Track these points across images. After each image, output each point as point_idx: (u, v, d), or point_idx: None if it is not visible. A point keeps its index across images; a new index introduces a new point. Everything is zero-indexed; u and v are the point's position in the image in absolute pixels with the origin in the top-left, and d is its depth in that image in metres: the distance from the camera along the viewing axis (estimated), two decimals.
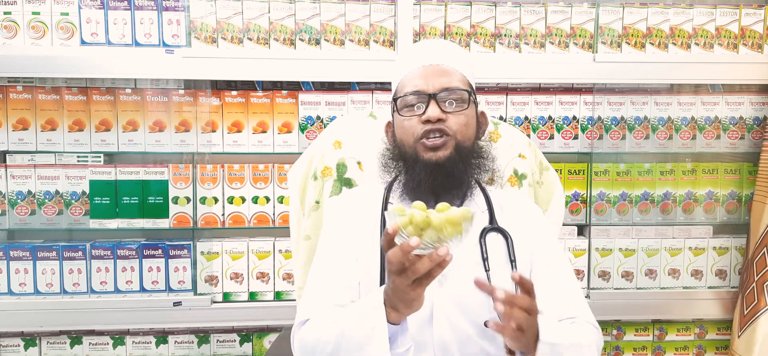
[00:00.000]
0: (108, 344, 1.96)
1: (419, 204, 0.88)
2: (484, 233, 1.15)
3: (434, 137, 1.14)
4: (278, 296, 1.95)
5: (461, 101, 1.16)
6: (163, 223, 1.91)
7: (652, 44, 1.94)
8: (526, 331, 0.92)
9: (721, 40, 1.95)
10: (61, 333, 1.94)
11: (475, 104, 1.21)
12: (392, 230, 0.87)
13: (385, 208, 1.20)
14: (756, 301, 1.85)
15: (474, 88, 1.23)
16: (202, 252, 1.93)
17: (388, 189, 1.23)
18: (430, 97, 1.14)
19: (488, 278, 1.11)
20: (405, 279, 0.88)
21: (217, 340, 1.99)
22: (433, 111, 1.13)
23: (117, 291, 1.90)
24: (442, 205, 0.88)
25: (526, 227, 1.19)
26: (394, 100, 1.20)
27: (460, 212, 0.86)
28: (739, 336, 1.91)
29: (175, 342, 1.97)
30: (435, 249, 0.86)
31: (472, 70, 1.24)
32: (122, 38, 1.85)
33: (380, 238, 1.15)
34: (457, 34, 1.90)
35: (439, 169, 1.13)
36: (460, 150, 1.15)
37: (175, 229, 1.93)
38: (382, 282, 1.14)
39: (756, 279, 1.85)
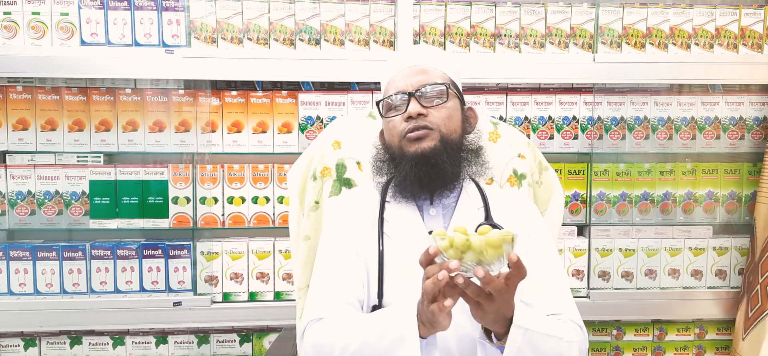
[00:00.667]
0: (108, 344, 1.96)
1: (461, 228, 0.89)
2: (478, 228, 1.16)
3: (417, 130, 1.17)
4: (278, 296, 1.95)
5: (440, 94, 1.20)
6: (162, 223, 1.91)
7: (652, 44, 1.94)
8: (487, 312, 0.93)
9: (721, 41, 1.95)
10: (61, 333, 1.95)
11: (459, 98, 1.25)
12: (433, 252, 0.89)
13: (382, 209, 1.20)
14: (760, 303, 1.84)
15: (457, 85, 1.26)
16: (201, 252, 1.93)
17: (384, 190, 1.24)
18: (411, 95, 1.18)
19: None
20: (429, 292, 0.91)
21: (217, 340, 1.99)
22: (413, 107, 1.17)
23: (117, 291, 1.90)
24: (483, 228, 0.89)
25: (522, 224, 1.20)
26: (378, 103, 1.25)
27: (499, 234, 0.86)
28: (743, 339, 1.90)
29: (175, 342, 1.97)
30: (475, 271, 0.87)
31: (455, 68, 1.28)
32: (122, 38, 1.85)
33: (378, 240, 1.17)
34: (456, 34, 1.90)
35: (424, 160, 1.16)
36: (445, 142, 1.17)
37: (174, 229, 1.93)
38: (380, 283, 1.15)
39: (760, 281, 1.85)
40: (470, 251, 0.87)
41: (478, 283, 0.90)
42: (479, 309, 0.94)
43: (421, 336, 0.98)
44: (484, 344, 1.02)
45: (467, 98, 1.82)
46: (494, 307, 0.93)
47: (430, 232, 0.91)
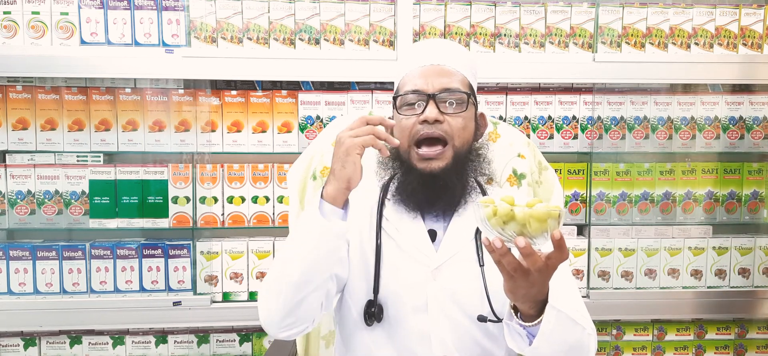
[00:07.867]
0: (108, 344, 1.96)
1: (508, 197, 0.88)
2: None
3: (429, 146, 1.13)
4: None
5: (460, 102, 1.16)
6: (162, 223, 1.91)
7: (652, 44, 1.94)
8: (519, 287, 0.92)
9: (721, 40, 1.95)
10: (60, 332, 1.94)
11: (475, 106, 1.21)
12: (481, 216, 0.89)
13: (381, 204, 1.20)
14: None
15: (475, 89, 1.23)
16: (201, 252, 1.92)
17: (385, 188, 1.23)
18: (430, 97, 1.13)
19: (482, 273, 1.12)
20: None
21: (217, 340, 1.99)
22: (430, 111, 1.12)
23: (117, 290, 1.90)
24: (532, 200, 0.88)
25: None
26: (394, 98, 1.20)
27: (545, 208, 0.85)
28: None
29: (175, 341, 1.97)
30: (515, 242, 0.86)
31: (474, 72, 1.24)
32: (122, 38, 1.84)
33: (376, 234, 1.17)
34: (456, 34, 1.90)
35: (434, 180, 1.14)
36: (456, 158, 1.15)
37: (174, 229, 1.93)
38: (376, 277, 1.14)
39: None
40: (513, 222, 0.85)
41: (517, 254, 0.88)
42: (513, 282, 0.92)
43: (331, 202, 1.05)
44: (510, 324, 1.00)
45: None
46: (528, 284, 0.91)
47: (479, 201, 0.90)
